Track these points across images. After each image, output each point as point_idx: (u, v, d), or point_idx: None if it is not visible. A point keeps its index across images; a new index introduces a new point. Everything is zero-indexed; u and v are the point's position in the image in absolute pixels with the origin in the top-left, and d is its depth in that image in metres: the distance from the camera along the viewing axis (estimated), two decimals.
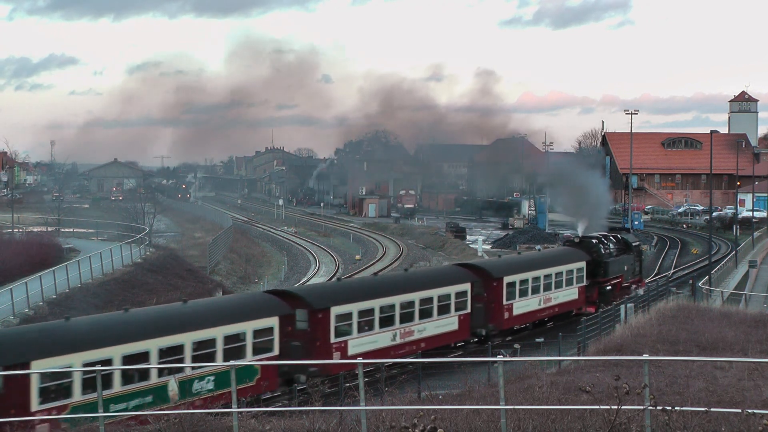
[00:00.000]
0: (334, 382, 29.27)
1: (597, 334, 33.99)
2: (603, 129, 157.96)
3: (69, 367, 23.60)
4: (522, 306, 43.73)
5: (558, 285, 46.67)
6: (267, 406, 27.03)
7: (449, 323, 38.98)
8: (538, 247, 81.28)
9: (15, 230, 76.77)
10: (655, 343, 27.56)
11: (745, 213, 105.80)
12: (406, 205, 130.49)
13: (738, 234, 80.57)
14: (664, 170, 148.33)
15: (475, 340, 41.22)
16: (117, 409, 24.20)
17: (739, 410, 14.10)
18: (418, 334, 37.21)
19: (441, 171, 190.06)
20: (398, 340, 36.31)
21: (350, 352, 33.62)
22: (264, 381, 29.37)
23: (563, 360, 28.84)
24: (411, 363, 31.91)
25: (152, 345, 26.16)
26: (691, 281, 56.40)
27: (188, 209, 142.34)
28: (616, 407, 13.54)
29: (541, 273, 45.49)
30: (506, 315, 42.61)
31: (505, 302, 42.45)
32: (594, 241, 51.21)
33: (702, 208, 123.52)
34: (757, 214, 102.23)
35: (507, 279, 42.79)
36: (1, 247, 59.17)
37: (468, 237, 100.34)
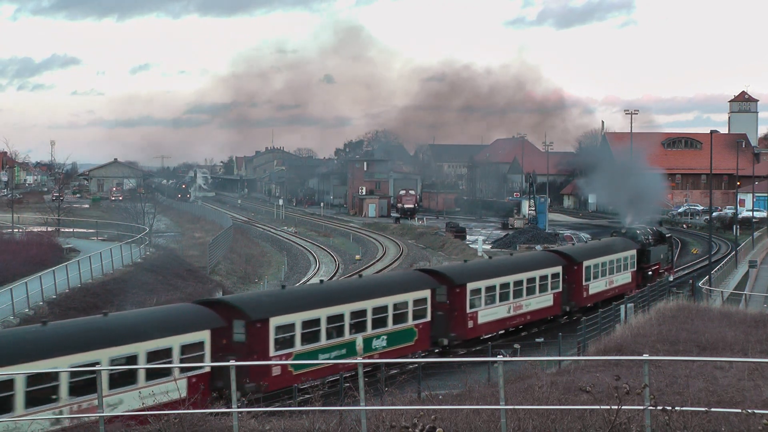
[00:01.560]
0: (335, 381, 29.33)
1: (597, 334, 33.97)
2: (603, 129, 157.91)
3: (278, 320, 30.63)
4: (595, 287, 50.37)
5: (618, 269, 53.38)
6: (267, 406, 27.05)
7: (546, 300, 45.64)
8: (538, 246, 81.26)
9: (15, 230, 76.78)
10: (655, 343, 27.55)
11: (745, 213, 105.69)
12: (406, 205, 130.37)
13: (738, 234, 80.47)
14: (664, 170, 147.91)
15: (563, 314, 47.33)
16: (323, 357, 31.83)
17: (739, 410, 14.10)
18: (525, 308, 43.88)
19: (441, 171, 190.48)
20: (511, 313, 42.97)
21: (479, 321, 40.61)
22: (420, 342, 36.84)
23: (563, 360, 28.83)
24: (411, 363, 32.08)
25: (346, 309, 33.38)
26: (691, 281, 56.43)
27: (188, 209, 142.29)
28: (616, 407, 13.53)
29: (607, 259, 52.10)
30: (584, 294, 49.22)
31: (583, 283, 49.05)
32: (638, 231, 58.33)
33: (702, 208, 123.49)
34: (757, 214, 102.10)
35: (585, 263, 49.33)
36: (1, 247, 59.21)
37: (468, 237, 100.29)
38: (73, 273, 49.66)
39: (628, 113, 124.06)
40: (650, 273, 57.00)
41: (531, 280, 44.23)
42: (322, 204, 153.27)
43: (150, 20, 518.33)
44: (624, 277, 54.16)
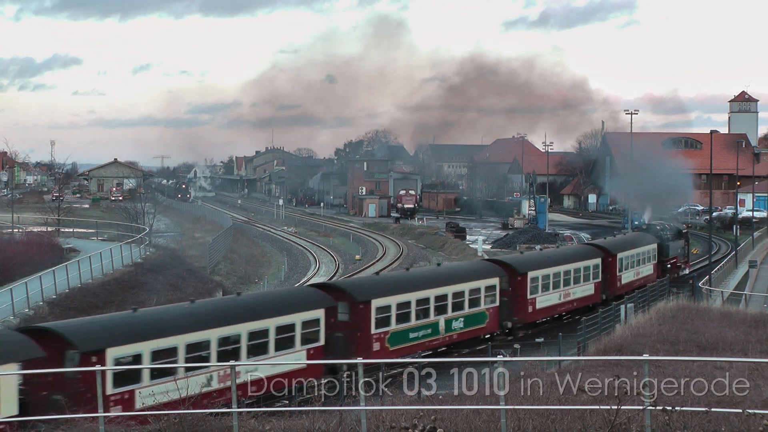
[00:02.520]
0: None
1: (597, 334, 33.95)
2: (603, 129, 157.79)
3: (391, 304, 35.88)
4: (626, 277, 54.46)
5: (643, 262, 57.44)
6: (267, 406, 27.04)
7: (589, 288, 49.82)
8: (538, 246, 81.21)
9: (15, 230, 76.72)
10: (655, 343, 27.54)
11: (745, 213, 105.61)
12: (406, 205, 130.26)
13: (738, 234, 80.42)
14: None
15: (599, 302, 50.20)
16: (413, 336, 36.34)
17: (740, 410, 14.10)
18: (572, 296, 48.09)
19: (441, 171, 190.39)
20: (562, 300, 47.11)
21: (537, 306, 44.99)
22: (490, 324, 41.20)
23: (563, 360, 28.81)
24: (411, 363, 32.09)
25: (431, 293, 37.67)
26: (691, 281, 56.46)
27: (188, 209, 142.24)
28: (616, 407, 13.54)
29: (634, 252, 56.32)
30: (618, 283, 53.27)
31: (617, 273, 53.24)
32: (658, 227, 63.13)
33: (702, 208, 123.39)
34: (757, 214, 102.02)
35: (619, 255, 53.58)
36: (1, 247, 59.14)
37: (468, 237, 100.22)
38: (73, 273, 49.59)
39: (628, 113, 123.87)
40: (669, 266, 61.17)
41: (577, 270, 48.61)
42: (322, 204, 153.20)
43: (152, 20, 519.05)
44: (647, 269, 58.08)
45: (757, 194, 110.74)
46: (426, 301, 37.26)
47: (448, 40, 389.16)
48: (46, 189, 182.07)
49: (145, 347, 26.52)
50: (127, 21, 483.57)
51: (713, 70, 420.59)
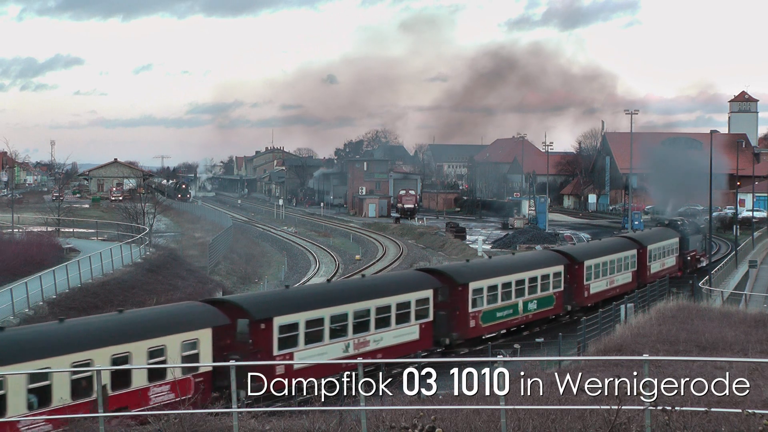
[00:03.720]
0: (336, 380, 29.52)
1: (597, 334, 33.94)
2: (603, 129, 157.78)
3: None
4: (654, 267, 59.25)
5: (667, 254, 62.25)
6: (268, 406, 27.05)
7: (627, 277, 55.13)
8: (538, 246, 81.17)
9: (15, 230, 76.67)
10: (655, 343, 27.53)
11: (745, 213, 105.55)
12: (406, 205, 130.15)
13: (738, 234, 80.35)
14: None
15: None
16: (500, 315, 41.54)
17: (740, 410, 14.10)
18: (615, 283, 53.48)
19: (441, 171, 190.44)
20: (608, 286, 52.54)
21: (591, 291, 50.23)
22: (557, 306, 46.37)
23: (563, 360, 28.79)
24: (411, 362, 32.12)
25: (513, 278, 42.94)
26: (691, 281, 56.44)
27: (188, 209, 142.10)
28: (616, 407, 13.53)
29: (661, 245, 61.21)
30: (648, 273, 57.76)
31: (647, 264, 58.12)
32: (679, 222, 68.23)
33: (702, 207, 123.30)
34: (757, 214, 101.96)
35: (649, 247, 58.35)
36: (1, 247, 59.11)
37: (468, 237, 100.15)
38: (73, 273, 49.52)
39: (628, 113, 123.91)
40: (689, 258, 65.96)
41: (620, 260, 54.17)
42: (322, 204, 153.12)
43: (155, 20, 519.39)
44: (671, 261, 62.91)
45: (757, 194, 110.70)
46: (508, 284, 42.46)
47: (450, 40, 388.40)
48: (46, 189, 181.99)
49: (301, 317, 31.09)
50: (130, 21, 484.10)
51: (713, 70, 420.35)
